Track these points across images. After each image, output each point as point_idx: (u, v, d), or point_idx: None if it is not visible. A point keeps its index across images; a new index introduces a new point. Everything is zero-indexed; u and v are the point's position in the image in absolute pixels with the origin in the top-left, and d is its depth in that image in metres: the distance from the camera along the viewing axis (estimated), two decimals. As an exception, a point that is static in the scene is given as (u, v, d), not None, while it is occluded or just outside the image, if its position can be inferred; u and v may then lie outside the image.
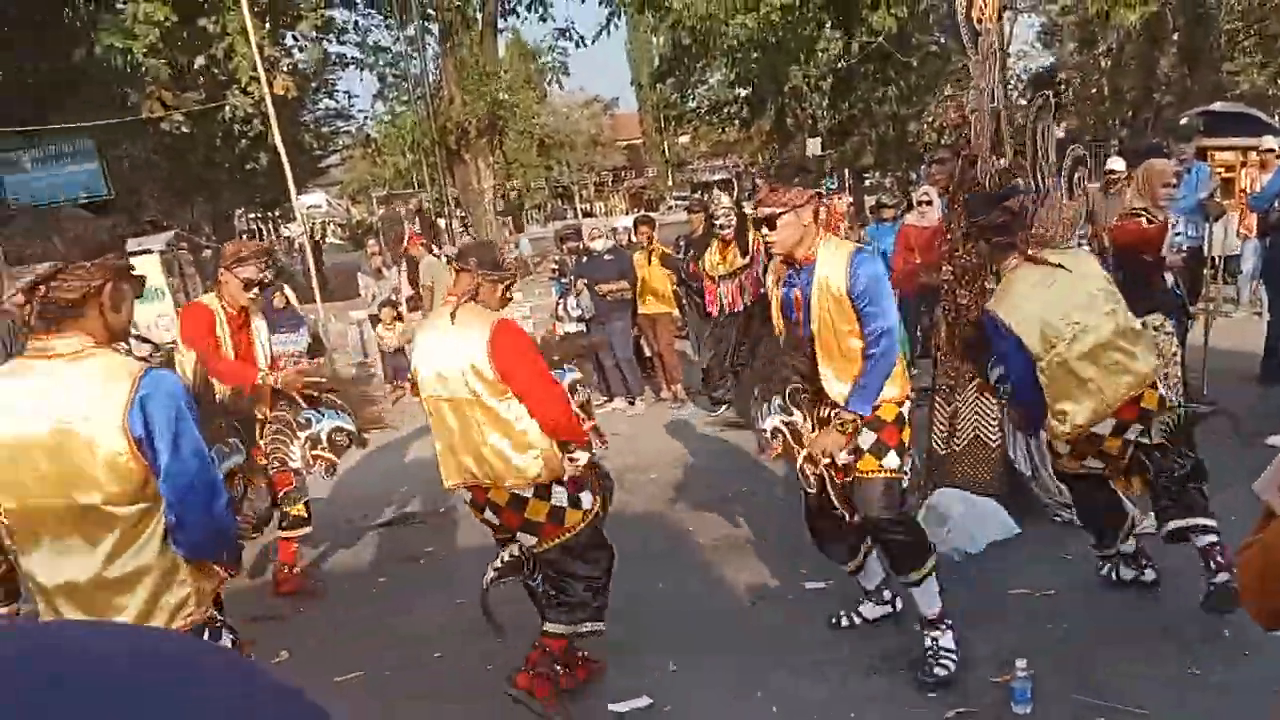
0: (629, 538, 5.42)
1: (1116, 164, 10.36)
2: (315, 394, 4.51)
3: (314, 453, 4.27)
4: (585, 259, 8.95)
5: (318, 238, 19.91)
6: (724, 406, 8.08)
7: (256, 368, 4.72)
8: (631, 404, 8.85)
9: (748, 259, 7.48)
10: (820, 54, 17.33)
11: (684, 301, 8.67)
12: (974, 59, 4.89)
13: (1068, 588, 4.17)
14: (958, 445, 5.03)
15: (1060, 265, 3.75)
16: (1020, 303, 3.75)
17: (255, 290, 4.81)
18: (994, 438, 4.96)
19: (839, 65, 17.14)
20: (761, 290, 7.77)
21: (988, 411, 4.95)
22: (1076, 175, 4.90)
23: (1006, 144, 4.89)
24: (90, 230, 2.17)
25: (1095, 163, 18.09)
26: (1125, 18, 15.54)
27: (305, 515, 5.11)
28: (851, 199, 21.63)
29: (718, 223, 7.59)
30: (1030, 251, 3.81)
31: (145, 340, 8.87)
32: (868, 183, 26.55)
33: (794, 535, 5.07)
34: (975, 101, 4.91)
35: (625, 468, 6.85)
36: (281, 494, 4.56)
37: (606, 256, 8.64)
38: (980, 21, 4.81)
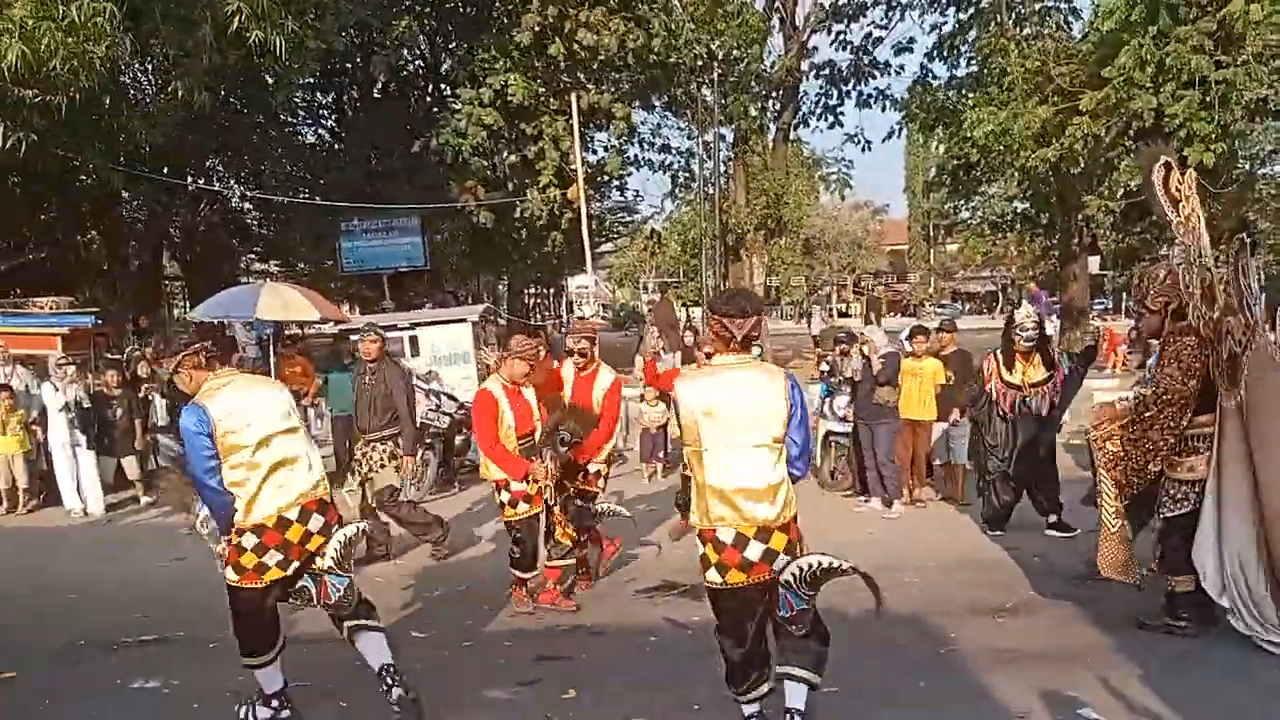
0: (885, 634, 5.62)
1: None
2: None
3: None
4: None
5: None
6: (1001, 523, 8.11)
7: None
8: (888, 506, 8.98)
9: (1053, 371, 7.85)
10: (1117, 180, 17.00)
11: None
12: (1175, 221, 5.30)
13: None
14: None
15: None
16: None
17: None
18: None
19: (1136, 192, 16.72)
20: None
21: None
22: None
23: (1219, 295, 5.19)
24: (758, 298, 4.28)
25: None
26: None
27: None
28: (1134, 324, 20.68)
29: (1020, 335, 7.87)
30: None
31: (452, 398, 10.20)
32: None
33: (1065, 659, 5.14)
34: (1181, 259, 5.26)
35: (879, 568, 7.01)
36: None
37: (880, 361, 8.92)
38: (1180, 189, 5.27)
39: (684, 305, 46.35)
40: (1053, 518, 7.93)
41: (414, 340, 12.39)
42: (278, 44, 11.61)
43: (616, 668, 5.28)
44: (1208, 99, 15.11)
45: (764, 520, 3.92)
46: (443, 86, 21.03)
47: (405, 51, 18.14)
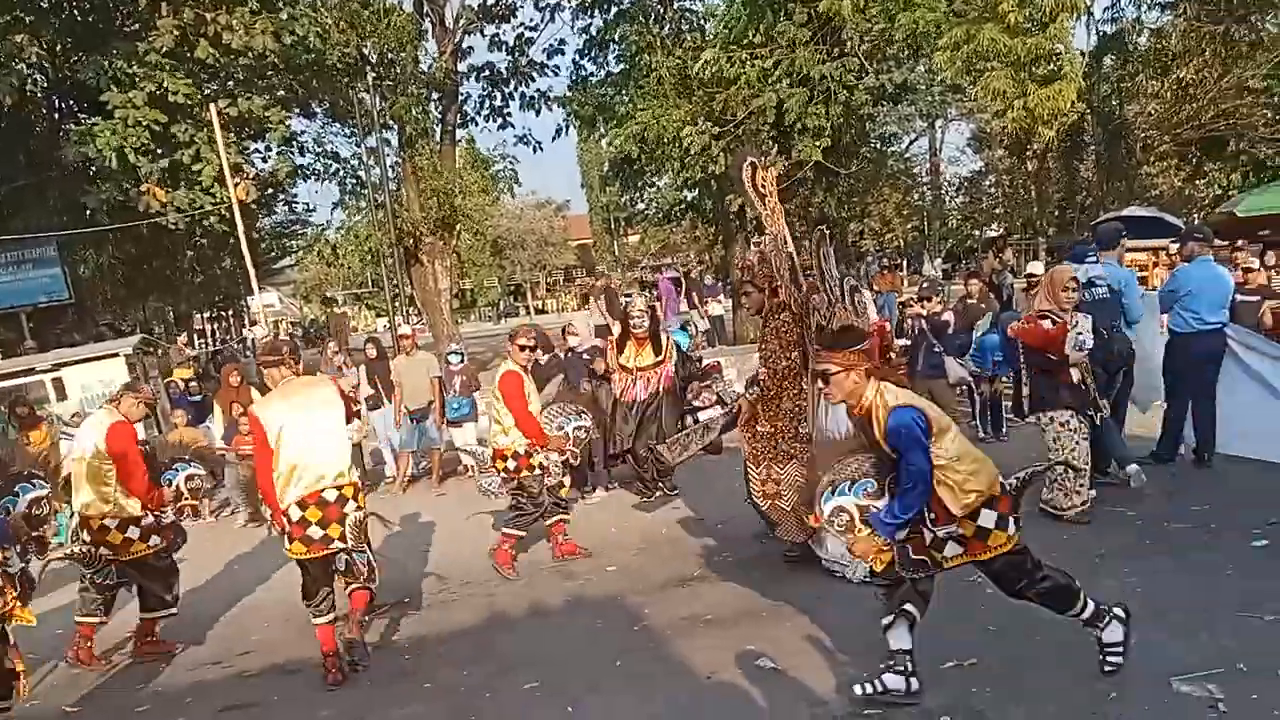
0: (587, 621, 5.80)
1: (1036, 268, 11.25)
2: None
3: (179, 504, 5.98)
4: (568, 355, 9.53)
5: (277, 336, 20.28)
6: (660, 491, 8.61)
7: None
8: (591, 492, 9.18)
9: (660, 357, 8.47)
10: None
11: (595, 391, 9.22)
12: (764, 213, 5.98)
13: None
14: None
15: None
16: None
17: None
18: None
19: (779, 180, 18.16)
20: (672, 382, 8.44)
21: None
22: (855, 299, 5.85)
23: (800, 276, 5.92)
24: None
25: (1022, 261, 19.22)
26: (1044, 135, 16.82)
27: None
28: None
29: (632, 322, 8.49)
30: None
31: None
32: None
33: (747, 615, 5.50)
34: (771, 245, 5.95)
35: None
36: None
37: (585, 356, 9.14)
38: (764, 184, 5.94)
39: (376, 315, 44.77)
40: (659, 492, 8.65)
41: (59, 382, 11.08)
42: None
43: (310, 706, 5.03)
44: (816, 94, 16.55)
45: None
46: (70, 101, 18.95)
47: (23, 67, 16.01)
